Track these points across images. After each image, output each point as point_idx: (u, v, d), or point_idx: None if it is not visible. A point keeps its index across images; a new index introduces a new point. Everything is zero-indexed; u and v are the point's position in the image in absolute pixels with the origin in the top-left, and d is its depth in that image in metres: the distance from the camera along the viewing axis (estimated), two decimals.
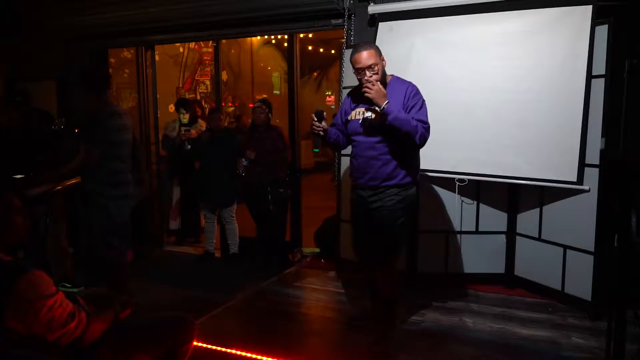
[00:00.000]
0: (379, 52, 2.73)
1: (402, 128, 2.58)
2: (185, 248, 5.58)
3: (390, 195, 2.76)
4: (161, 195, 5.75)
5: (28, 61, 5.62)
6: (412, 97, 2.71)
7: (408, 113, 2.66)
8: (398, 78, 2.84)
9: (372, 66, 2.67)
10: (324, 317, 3.48)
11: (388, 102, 2.58)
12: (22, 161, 3.79)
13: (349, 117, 2.86)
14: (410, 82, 2.79)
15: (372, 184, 2.78)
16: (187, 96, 7.81)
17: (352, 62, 2.73)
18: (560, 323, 3.20)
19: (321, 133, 2.76)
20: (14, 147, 3.72)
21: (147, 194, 5.22)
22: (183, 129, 5.39)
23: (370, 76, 2.66)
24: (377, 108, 2.62)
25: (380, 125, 2.69)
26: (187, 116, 5.48)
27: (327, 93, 11.29)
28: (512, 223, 3.79)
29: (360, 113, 2.79)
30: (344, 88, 2.96)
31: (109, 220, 3.21)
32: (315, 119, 2.73)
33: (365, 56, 2.68)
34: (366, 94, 2.62)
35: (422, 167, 3.64)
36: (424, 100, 2.75)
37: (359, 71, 2.71)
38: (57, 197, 3.93)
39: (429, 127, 2.69)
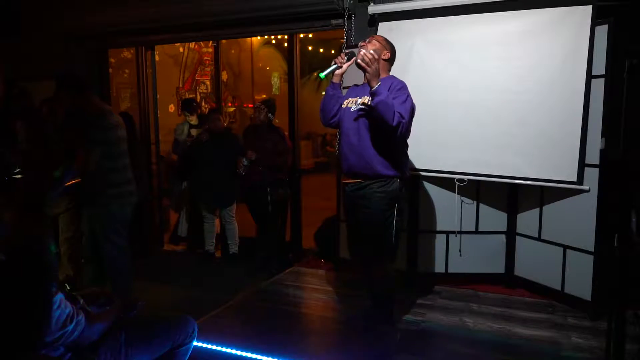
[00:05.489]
0: (385, 40, 2.87)
1: (383, 114, 2.52)
2: (186, 248, 5.58)
3: (372, 191, 2.74)
4: (170, 197, 5.72)
5: (28, 61, 5.61)
6: (396, 91, 2.66)
7: None
8: (392, 76, 2.85)
9: (371, 40, 2.83)
10: (324, 317, 3.48)
11: (380, 84, 2.55)
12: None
13: (342, 105, 2.90)
14: (398, 79, 2.78)
15: (353, 172, 2.79)
16: (187, 96, 7.80)
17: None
18: (560, 323, 3.20)
19: (340, 65, 2.76)
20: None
21: (146, 194, 5.21)
22: (194, 130, 5.34)
23: (365, 45, 2.79)
24: (366, 98, 2.67)
25: (367, 115, 2.71)
26: (193, 118, 5.45)
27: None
28: (512, 223, 3.79)
29: (352, 102, 2.84)
30: (344, 88, 2.96)
31: (112, 220, 3.19)
32: (345, 56, 2.78)
33: (369, 38, 2.87)
34: (359, 60, 2.59)
35: (422, 167, 3.68)
36: (408, 96, 2.69)
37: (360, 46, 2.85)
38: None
39: (407, 122, 2.62)
